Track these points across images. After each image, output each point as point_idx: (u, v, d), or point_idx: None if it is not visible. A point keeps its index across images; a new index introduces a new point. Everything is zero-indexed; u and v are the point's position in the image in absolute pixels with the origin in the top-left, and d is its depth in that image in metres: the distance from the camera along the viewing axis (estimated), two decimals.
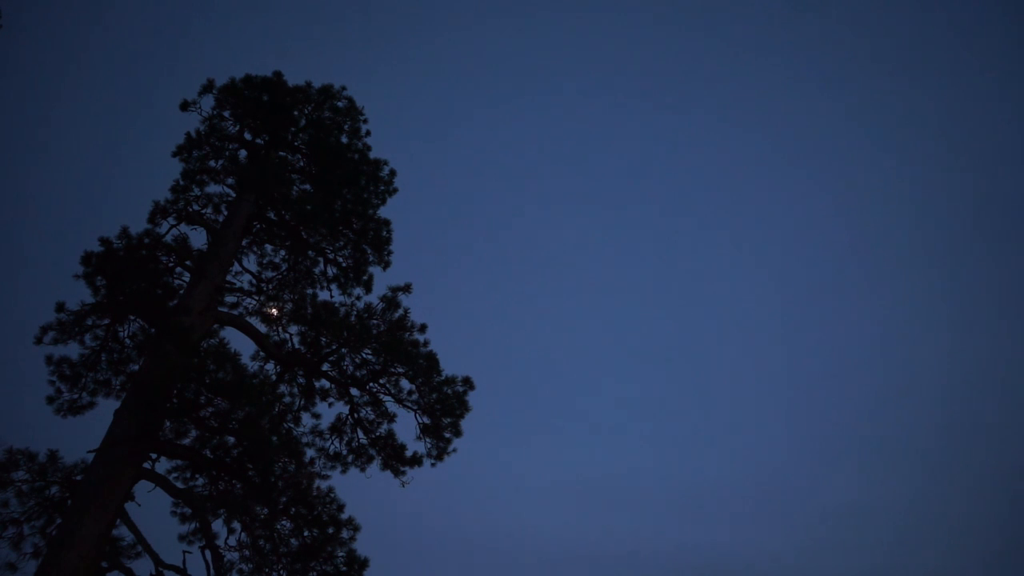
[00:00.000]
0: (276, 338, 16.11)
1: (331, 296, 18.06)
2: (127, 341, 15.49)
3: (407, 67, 58.76)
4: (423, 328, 15.87)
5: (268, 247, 18.04)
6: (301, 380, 15.94)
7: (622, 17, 58.72)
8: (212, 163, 17.80)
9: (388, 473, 15.79)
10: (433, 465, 15.62)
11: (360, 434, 16.00)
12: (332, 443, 15.96)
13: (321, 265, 18.27)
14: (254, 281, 17.43)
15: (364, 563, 13.86)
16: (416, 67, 59.39)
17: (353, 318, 16.00)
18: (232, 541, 13.67)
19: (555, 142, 60.93)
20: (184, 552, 13.56)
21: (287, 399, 15.64)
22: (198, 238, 16.73)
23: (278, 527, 13.70)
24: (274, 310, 16.19)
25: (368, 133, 19.32)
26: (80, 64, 51.79)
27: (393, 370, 15.57)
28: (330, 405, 15.99)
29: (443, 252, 55.14)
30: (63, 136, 50.44)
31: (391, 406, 15.81)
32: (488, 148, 60.60)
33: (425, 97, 59.74)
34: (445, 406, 15.49)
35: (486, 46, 60.09)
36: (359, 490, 15.35)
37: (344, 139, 18.93)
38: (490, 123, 60.47)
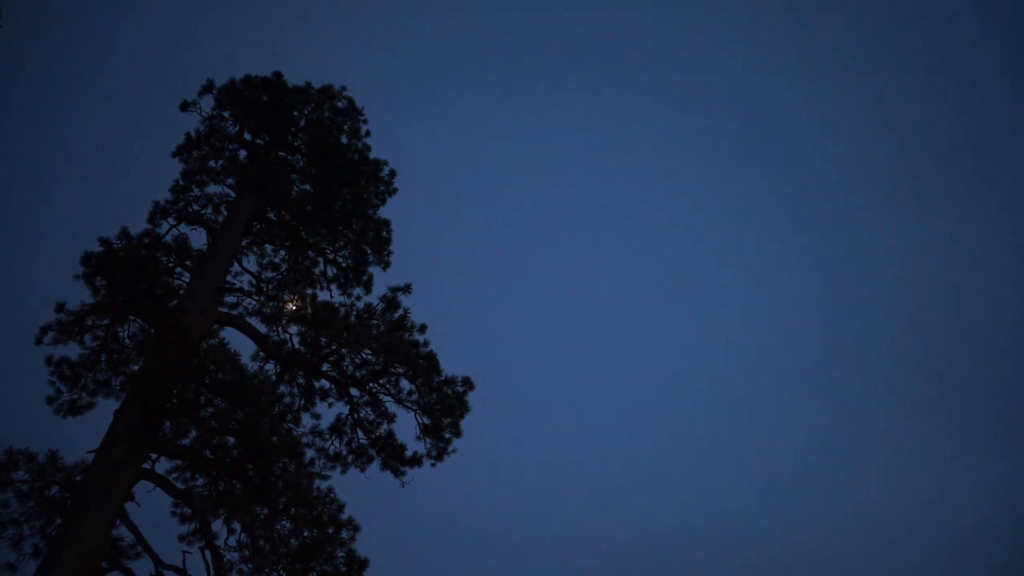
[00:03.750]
0: (276, 338, 16.11)
1: (331, 296, 18.08)
2: (127, 341, 15.48)
3: (398, 64, 59.18)
4: (423, 328, 15.88)
5: (268, 247, 18.04)
6: (301, 380, 15.94)
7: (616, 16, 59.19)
8: (212, 163, 17.80)
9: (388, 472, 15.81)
10: (433, 465, 15.63)
11: (360, 434, 16.01)
12: (332, 443, 15.97)
13: (321, 265, 18.28)
14: (254, 281, 17.43)
15: (364, 563, 13.86)
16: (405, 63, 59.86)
17: (353, 318, 16.00)
18: (232, 541, 13.68)
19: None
20: (184, 552, 13.57)
21: (287, 399, 15.65)
22: (198, 238, 16.75)
23: (278, 527, 13.70)
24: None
25: (368, 133, 19.34)
26: (78, 64, 51.81)
27: (393, 370, 15.57)
28: (330, 405, 16.00)
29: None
30: (63, 136, 50.46)
31: (391, 406, 15.83)
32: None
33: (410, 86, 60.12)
34: (445, 406, 15.49)
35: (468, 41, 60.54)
36: (366, 485, 15.43)
37: (344, 139, 18.94)
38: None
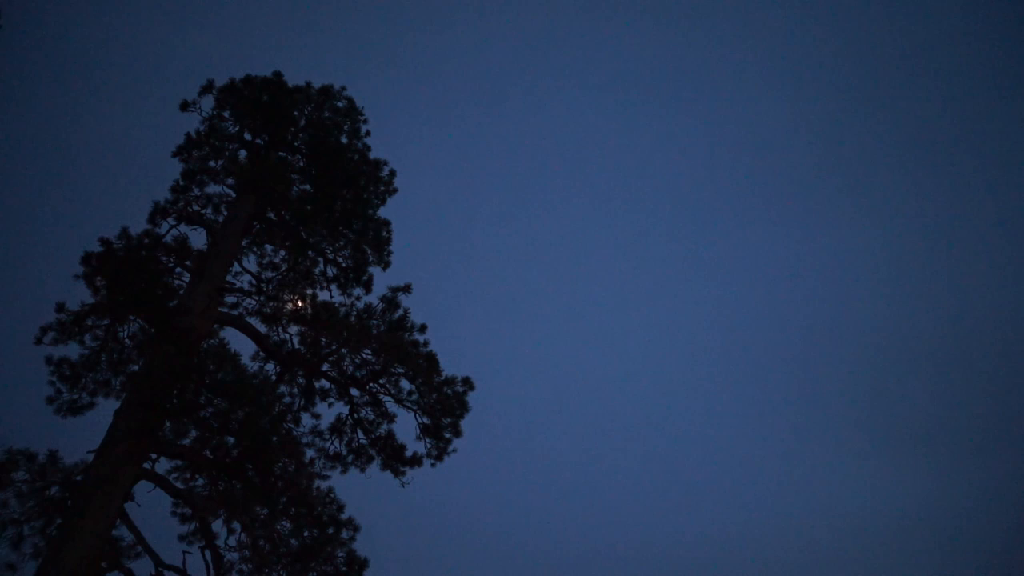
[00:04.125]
0: (276, 338, 16.11)
1: (331, 296, 18.05)
2: (127, 341, 15.46)
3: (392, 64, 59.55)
4: (423, 328, 15.88)
5: (268, 247, 18.01)
6: (301, 380, 15.94)
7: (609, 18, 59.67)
8: (212, 163, 17.79)
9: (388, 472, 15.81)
10: (433, 465, 15.63)
11: (360, 434, 16.01)
12: (332, 443, 15.97)
13: (321, 265, 18.26)
14: (254, 281, 17.42)
15: (364, 563, 13.87)
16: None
17: (353, 318, 16.01)
18: (232, 541, 13.69)
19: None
20: (184, 552, 13.58)
21: (287, 399, 15.65)
22: (198, 238, 16.73)
23: (278, 527, 13.70)
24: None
25: (368, 133, 19.32)
26: (78, 64, 51.78)
27: (393, 370, 15.57)
28: (330, 405, 16.00)
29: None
30: (63, 137, 50.44)
31: (391, 406, 15.82)
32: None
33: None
34: (445, 406, 15.49)
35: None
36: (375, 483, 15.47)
37: (344, 139, 18.93)
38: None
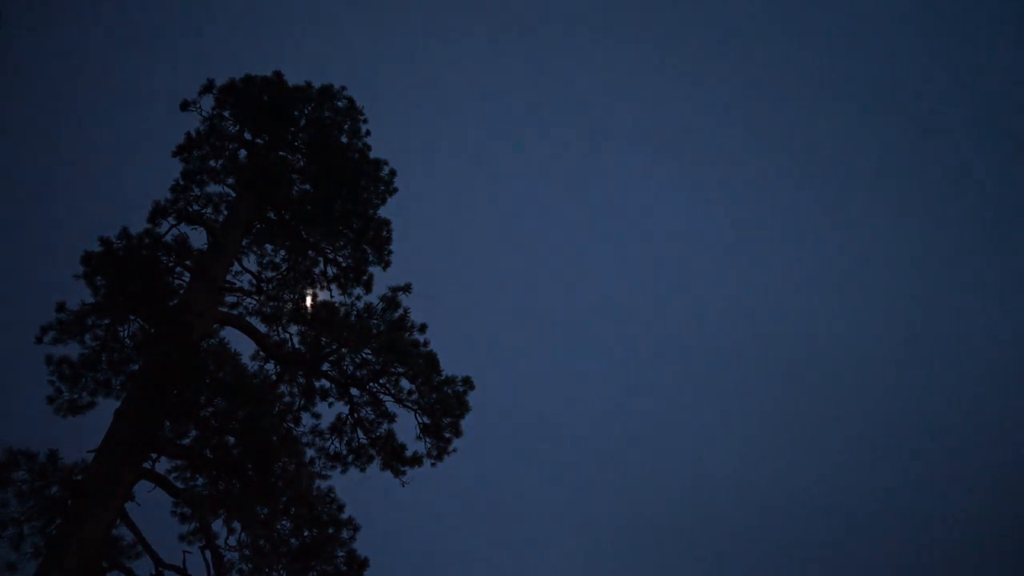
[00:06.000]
0: (276, 338, 16.12)
1: (331, 296, 18.04)
2: (127, 341, 15.46)
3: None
4: (423, 328, 15.87)
5: (268, 247, 18.02)
6: (301, 380, 15.94)
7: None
8: (212, 163, 17.78)
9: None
10: (433, 465, 15.63)
11: (360, 434, 16.01)
12: (332, 443, 15.97)
13: (321, 265, 18.26)
14: (254, 281, 17.42)
15: (364, 563, 13.89)
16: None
17: (353, 318, 16.01)
18: (232, 541, 13.71)
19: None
20: (184, 552, 13.60)
21: (287, 399, 15.65)
22: (198, 238, 16.72)
23: (278, 527, 13.72)
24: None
25: (368, 133, 19.28)
26: (80, 64, 51.81)
27: (393, 370, 15.57)
28: (330, 405, 16.01)
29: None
30: (63, 136, 50.45)
31: (391, 406, 15.82)
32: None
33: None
34: (445, 406, 15.49)
35: None
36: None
37: (344, 139, 18.91)
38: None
